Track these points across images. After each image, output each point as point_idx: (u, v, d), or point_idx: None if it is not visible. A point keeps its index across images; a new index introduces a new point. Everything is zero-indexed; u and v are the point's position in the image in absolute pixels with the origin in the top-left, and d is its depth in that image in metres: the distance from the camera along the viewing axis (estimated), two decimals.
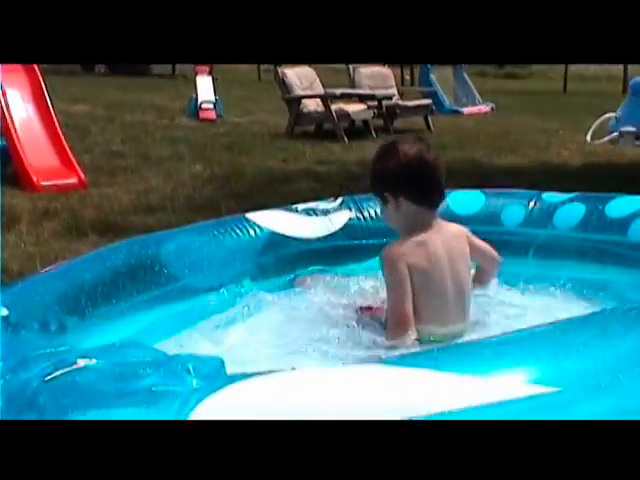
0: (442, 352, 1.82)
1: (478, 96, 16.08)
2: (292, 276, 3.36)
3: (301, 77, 11.09)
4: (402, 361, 1.70)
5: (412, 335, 2.51)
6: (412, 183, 2.63)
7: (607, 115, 10.75)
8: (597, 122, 10.62)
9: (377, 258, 2.66)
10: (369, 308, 2.88)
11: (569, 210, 3.43)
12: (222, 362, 1.72)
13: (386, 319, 2.64)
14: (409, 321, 2.52)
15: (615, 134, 10.07)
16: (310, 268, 3.38)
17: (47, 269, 2.95)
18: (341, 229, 3.52)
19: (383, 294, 2.78)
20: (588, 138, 10.28)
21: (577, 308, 2.86)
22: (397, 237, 2.73)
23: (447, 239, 2.65)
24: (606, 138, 10.13)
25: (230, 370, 1.73)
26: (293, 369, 1.74)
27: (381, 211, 2.82)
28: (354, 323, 2.73)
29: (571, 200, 3.49)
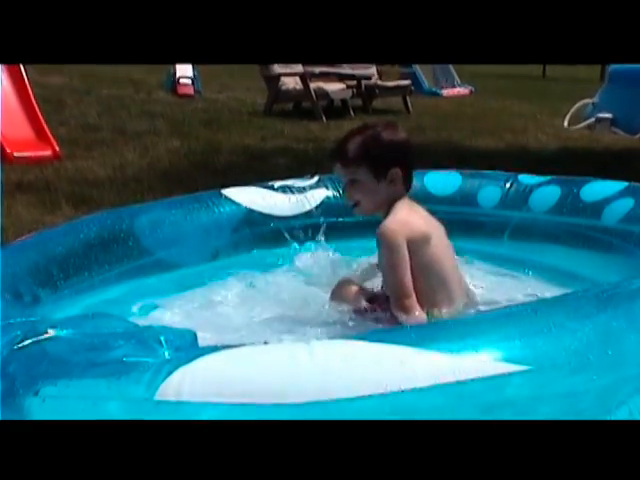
0: (414, 329, 1.82)
1: (457, 78, 16.08)
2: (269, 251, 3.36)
3: None
4: (374, 337, 1.70)
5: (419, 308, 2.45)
6: (410, 162, 2.63)
7: (584, 101, 10.80)
8: (574, 108, 10.67)
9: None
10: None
11: (544, 193, 3.44)
12: (194, 335, 1.71)
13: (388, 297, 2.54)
14: (413, 293, 2.46)
15: (592, 120, 10.12)
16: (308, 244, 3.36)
17: (19, 240, 2.91)
18: (317, 207, 3.51)
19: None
20: (565, 123, 10.33)
21: (550, 290, 2.88)
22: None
23: (426, 215, 2.62)
24: (583, 124, 10.18)
25: (202, 343, 1.72)
26: (265, 343, 1.73)
27: (352, 187, 2.65)
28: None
29: (547, 183, 3.51)
